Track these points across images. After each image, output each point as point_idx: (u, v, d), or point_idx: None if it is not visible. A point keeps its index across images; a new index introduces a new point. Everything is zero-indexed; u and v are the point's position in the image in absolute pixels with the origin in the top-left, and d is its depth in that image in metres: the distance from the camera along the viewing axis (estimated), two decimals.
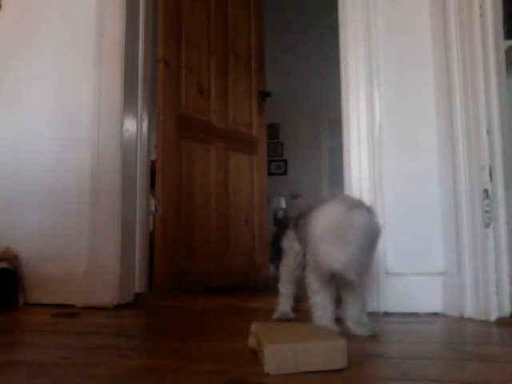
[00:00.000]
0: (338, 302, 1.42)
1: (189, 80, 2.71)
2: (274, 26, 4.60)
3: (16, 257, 2.12)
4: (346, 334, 1.30)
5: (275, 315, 1.63)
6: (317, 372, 0.96)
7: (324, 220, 1.22)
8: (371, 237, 1.23)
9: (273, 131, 5.89)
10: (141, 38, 2.33)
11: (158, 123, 2.51)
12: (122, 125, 2.15)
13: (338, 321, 1.40)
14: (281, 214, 5.68)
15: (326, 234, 1.20)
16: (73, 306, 2.00)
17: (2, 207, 2.24)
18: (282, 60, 5.67)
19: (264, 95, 3.32)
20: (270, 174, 4.98)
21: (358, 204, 1.29)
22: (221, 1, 3.00)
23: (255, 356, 1.07)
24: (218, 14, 2.96)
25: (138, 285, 2.24)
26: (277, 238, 1.63)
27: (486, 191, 1.60)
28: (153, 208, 2.51)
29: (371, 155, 1.89)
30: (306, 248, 1.43)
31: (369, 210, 1.33)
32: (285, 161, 6.28)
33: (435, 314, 1.74)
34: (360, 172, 1.89)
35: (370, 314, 1.44)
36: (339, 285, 1.40)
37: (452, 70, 1.75)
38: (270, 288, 2.28)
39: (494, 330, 1.49)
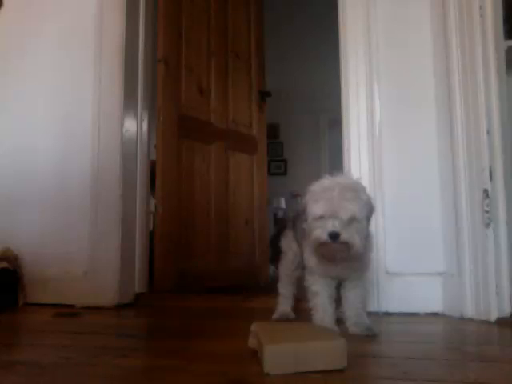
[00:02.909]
0: (338, 302, 1.42)
1: (189, 80, 2.71)
2: (274, 25, 4.60)
3: (16, 257, 2.12)
4: (346, 334, 1.30)
5: (275, 315, 1.63)
6: (317, 372, 0.96)
7: (318, 184, 1.31)
8: (365, 199, 1.29)
9: (273, 131, 5.88)
10: (141, 38, 2.34)
11: (158, 123, 2.51)
12: (122, 125, 2.15)
13: (338, 321, 1.40)
14: (281, 214, 5.68)
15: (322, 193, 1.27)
16: (73, 306, 2.00)
17: (2, 207, 2.24)
18: (282, 60, 5.66)
19: (264, 95, 3.32)
20: (270, 173, 4.97)
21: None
22: (221, 1, 2.99)
23: (255, 356, 1.06)
24: (218, 14, 2.96)
25: (138, 285, 2.24)
26: (276, 239, 1.63)
27: (486, 191, 1.60)
28: (153, 208, 2.51)
29: (371, 155, 1.89)
30: (303, 248, 1.44)
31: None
32: (285, 161, 6.27)
33: (435, 314, 1.74)
34: (360, 172, 1.89)
35: (370, 314, 1.44)
36: (341, 281, 1.41)
37: (452, 69, 1.75)
38: (269, 288, 2.28)
39: (494, 330, 1.49)
